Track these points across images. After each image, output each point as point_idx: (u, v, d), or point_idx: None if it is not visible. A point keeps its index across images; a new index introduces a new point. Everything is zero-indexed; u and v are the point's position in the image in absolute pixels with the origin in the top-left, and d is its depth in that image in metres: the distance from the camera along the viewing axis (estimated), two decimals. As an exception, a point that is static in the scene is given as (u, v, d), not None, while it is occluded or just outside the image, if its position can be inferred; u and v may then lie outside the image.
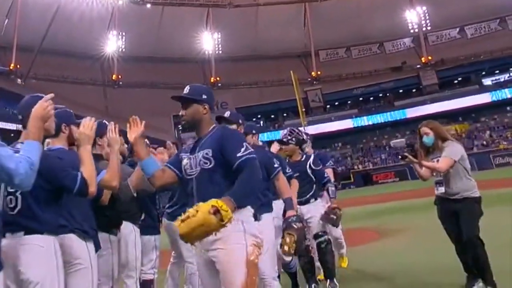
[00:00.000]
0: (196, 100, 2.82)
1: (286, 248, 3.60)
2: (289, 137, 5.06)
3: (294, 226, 3.65)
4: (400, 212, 12.71)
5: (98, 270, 2.87)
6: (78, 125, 2.83)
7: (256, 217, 3.04)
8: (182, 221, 2.25)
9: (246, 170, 2.57)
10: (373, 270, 5.95)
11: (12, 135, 38.52)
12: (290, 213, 3.83)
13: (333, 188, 5.18)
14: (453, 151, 4.15)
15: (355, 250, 7.35)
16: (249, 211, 2.70)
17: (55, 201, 2.54)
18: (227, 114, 4.03)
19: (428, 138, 4.30)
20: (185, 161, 2.81)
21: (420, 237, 7.97)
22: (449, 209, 4.19)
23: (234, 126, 3.82)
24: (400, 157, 4.48)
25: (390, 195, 20.70)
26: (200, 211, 2.22)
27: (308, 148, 5.77)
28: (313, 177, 5.02)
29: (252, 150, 2.71)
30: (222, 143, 2.69)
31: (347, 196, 23.88)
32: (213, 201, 2.26)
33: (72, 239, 2.70)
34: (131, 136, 2.82)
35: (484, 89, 44.62)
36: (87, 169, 2.56)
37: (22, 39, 41.54)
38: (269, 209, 3.97)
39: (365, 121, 46.97)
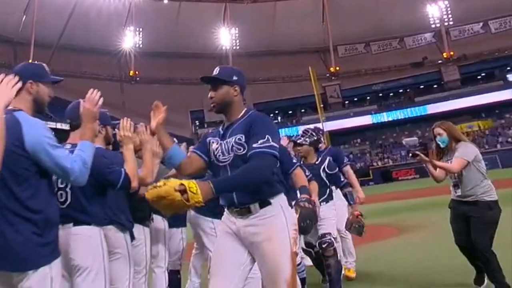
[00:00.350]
0: (226, 81, 2.63)
1: None
2: (302, 138, 4.92)
3: (302, 204, 3.57)
4: (420, 209, 12.57)
5: (133, 259, 3.13)
6: (113, 126, 3.16)
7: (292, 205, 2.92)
8: (154, 187, 2.16)
9: (252, 162, 2.38)
10: (388, 265, 5.95)
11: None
12: (302, 196, 3.72)
13: (351, 193, 4.97)
14: (466, 152, 4.06)
15: (373, 246, 7.50)
16: (284, 198, 2.59)
17: (101, 195, 2.81)
18: None
19: (442, 138, 4.23)
20: (214, 146, 2.63)
21: (438, 234, 7.79)
22: (460, 211, 4.12)
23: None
24: (410, 155, 4.33)
25: (409, 192, 20.47)
26: (167, 185, 2.13)
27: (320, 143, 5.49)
28: (327, 181, 4.83)
29: (274, 144, 2.44)
30: (250, 129, 2.50)
31: (366, 193, 23.30)
32: (186, 181, 2.16)
33: (112, 230, 2.96)
34: (153, 122, 2.65)
35: (509, 85, 43.57)
36: (130, 166, 2.82)
37: (40, 35, 41.80)
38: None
39: (385, 117, 46.58)
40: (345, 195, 4.92)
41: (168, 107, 2.64)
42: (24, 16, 42.59)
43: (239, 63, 48.42)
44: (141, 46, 47.94)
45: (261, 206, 2.45)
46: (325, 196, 4.78)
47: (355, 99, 50.03)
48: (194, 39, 47.50)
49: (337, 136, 40.80)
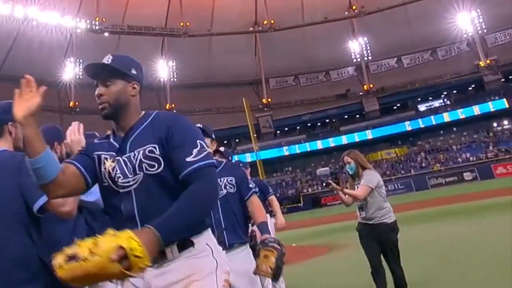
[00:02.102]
0: (122, 75, 1.89)
1: (265, 267, 2.75)
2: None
3: (272, 246, 2.87)
4: (349, 230, 13.72)
5: None
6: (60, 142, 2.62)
7: (226, 244, 2.83)
8: (68, 259, 1.40)
9: (197, 185, 1.70)
10: (321, 284, 6.54)
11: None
12: (265, 236, 2.99)
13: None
14: (371, 179, 4.39)
15: (303, 264, 8.12)
16: (212, 237, 1.90)
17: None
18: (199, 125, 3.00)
19: (350, 166, 4.58)
20: (108, 164, 1.83)
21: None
22: (368, 234, 4.38)
23: (208, 140, 3.10)
24: (324, 184, 4.68)
25: (338, 216, 20.82)
26: (99, 254, 1.38)
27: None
28: None
29: (210, 151, 1.86)
30: (168, 136, 1.79)
31: (297, 219, 25.78)
32: (123, 238, 1.44)
33: None
34: (19, 109, 1.68)
35: (420, 115, 48.63)
36: None
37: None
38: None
39: (313, 145, 49.46)
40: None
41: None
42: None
43: (176, 94, 50.50)
44: (81, 77, 48.42)
45: (181, 249, 1.73)
46: None
47: (286, 129, 52.47)
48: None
49: (269, 165, 43.34)
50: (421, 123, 47.51)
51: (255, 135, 37.94)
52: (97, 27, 46.94)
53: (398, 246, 4.30)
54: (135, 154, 1.79)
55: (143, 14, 47.81)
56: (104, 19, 47.09)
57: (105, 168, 1.83)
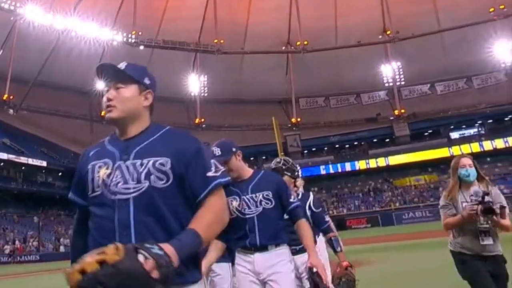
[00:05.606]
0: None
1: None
2: (283, 166, 3.93)
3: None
4: (376, 250, 13.89)
5: None
6: None
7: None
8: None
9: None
10: None
11: (2, 164, 39.51)
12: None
13: (337, 238, 4.05)
14: (503, 199, 3.38)
15: None
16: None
17: None
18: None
19: (470, 171, 3.42)
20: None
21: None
22: (485, 268, 3.33)
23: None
24: (482, 209, 3.19)
25: (364, 239, 21.33)
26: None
27: (301, 187, 4.61)
28: (311, 220, 3.92)
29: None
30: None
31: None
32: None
33: None
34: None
35: (452, 143, 47.50)
36: None
37: (17, 70, 42.98)
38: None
39: (340, 167, 49.03)
40: (329, 241, 4.05)
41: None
42: (1, 51, 43.84)
43: (206, 109, 50.99)
44: (115, 87, 49.56)
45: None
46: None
47: (313, 149, 52.19)
48: (165, 84, 49.37)
49: (295, 185, 42.93)
50: (452, 151, 46.35)
51: (282, 153, 38.02)
52: (133, 40, 47.98)
53: None
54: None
55: (178, 28, 48.64)
56: (140, 33, 48.13)
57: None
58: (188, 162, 1.69)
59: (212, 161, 1.76)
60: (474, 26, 45.69)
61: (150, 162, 1.66)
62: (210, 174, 1.70)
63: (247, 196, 2.88)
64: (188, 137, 1.80)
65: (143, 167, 1.66)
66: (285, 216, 2.98)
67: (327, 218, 4.26)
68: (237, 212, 2.87)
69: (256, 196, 2.87)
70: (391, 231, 28.21)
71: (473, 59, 46.86)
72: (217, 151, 2.87)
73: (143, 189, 1.63)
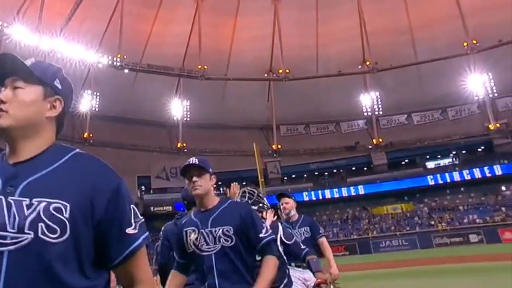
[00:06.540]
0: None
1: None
2: (249, 201, 3.73)
3: None
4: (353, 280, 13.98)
5: None
6: None
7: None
8: None
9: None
10: None
11: None
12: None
13: (317, 260, 4.17)
14: None
15: None
16: None
17: None
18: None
19: None
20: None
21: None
22: None
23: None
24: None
25: (340, 267, 22.12)
26: None
27: (269, 219, 4.06)
28: (286, 255, 3.78)
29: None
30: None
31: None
32: None
33: None
34: None
35: (428, 172, 48.68)
36: None
37: (1, 91, 42.49)
38: None
39: (319, 195, 49.43)
40: (307, 264, 4.12)
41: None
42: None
43: (188, 133, 51.16)
44: (97, 109, 49.22)
45: None
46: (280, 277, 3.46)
47: (293, 176, 52.62)
48: (148, 107, 49.51)
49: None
50: (428, 181, 47.46)
51: (262, 179, 38.10)
52: (118, 64, 48.23)
53: None
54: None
55: (162, 53, 49.05)
56: (125, 56, 48.45)
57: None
58: (100, 210, 1.25)
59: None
60: (449, 59, 47.21)
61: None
62: (130, 230, 1.28)
63: (206, 230, 2.55)
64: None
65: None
66: (257, 258, 2.63)
67: (303, 246, 4.26)
68: (194, 247, 2.58)
69: (215, 231, 2.52)
70: (369, 259, 28.65)
71: (448, 91, 48.29)
72: (195, 160, 2.68)
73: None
